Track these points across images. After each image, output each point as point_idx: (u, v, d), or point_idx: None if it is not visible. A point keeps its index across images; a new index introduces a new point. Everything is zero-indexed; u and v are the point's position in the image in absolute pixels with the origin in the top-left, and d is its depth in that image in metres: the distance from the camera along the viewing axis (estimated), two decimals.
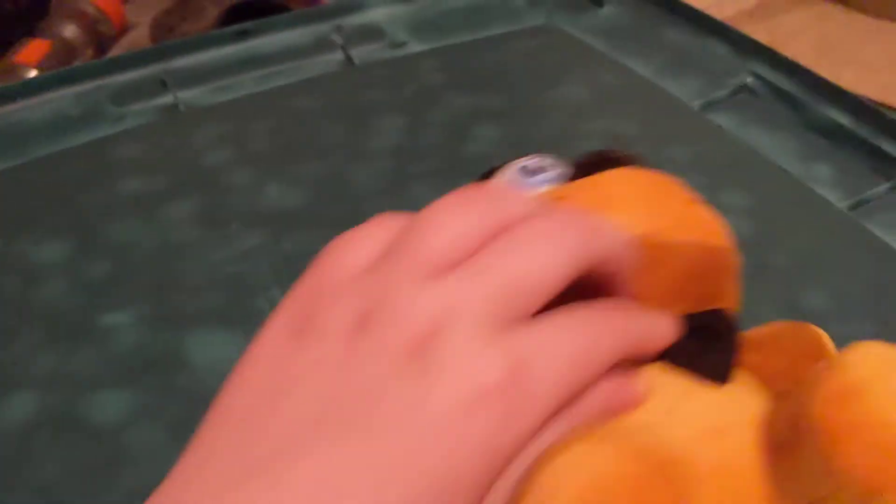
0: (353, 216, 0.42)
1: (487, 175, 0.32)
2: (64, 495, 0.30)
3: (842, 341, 0.21)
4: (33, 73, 0.62)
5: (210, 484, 0.15)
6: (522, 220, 0.18)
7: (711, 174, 0.41)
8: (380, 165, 0.45)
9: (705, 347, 0.23)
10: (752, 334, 0.25)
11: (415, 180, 0.44)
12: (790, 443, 0.20)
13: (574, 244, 0.18)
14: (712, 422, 0.21)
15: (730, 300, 0.25)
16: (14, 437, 0.31)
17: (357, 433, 0.15)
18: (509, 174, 0.29)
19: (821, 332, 0.24)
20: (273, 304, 0.19)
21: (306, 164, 0.46)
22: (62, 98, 0.50)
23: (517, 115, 0.50)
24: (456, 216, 0.18)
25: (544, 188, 0.28)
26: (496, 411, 0.15)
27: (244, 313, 0.36)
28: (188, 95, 0.51)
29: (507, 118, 0.49)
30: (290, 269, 0.24)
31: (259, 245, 0.40)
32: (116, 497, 0.29)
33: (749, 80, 0.52)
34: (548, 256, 0.17)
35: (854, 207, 0.43)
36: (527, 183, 0.29)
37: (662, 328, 0.21)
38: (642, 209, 0.24)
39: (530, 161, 0.30)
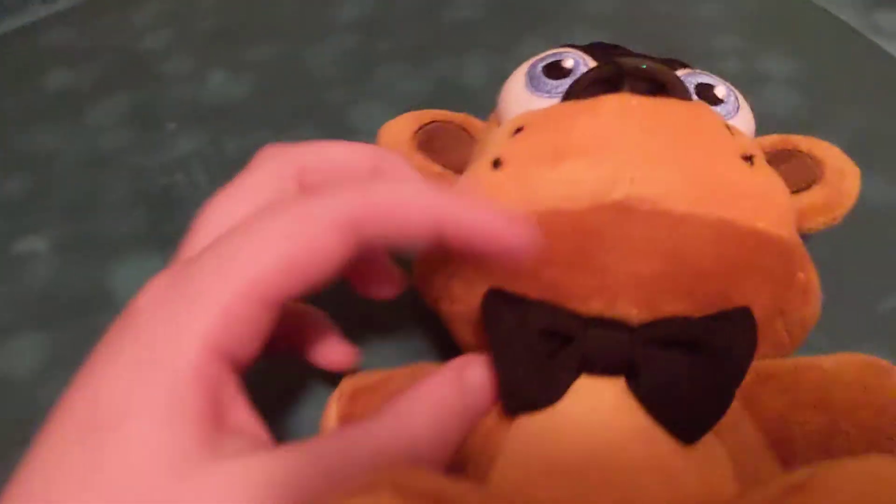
0: (309, 111, 0.35)
1: None
2: None
3: None
4: None
5: None
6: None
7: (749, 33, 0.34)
8: (341, 44, 0.38)
9: (692, 380, 0.17)
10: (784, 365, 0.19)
11: (383, 62, 0.37)
12: None
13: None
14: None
15: (757, 298, 0.18)
16: None
17: None
18: (522, 74, 0.23)
19: None
20: None
21: (255, 46, 0.39)
22: None
23: None
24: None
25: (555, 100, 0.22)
26: None
27: (178, 235, 0.30)
28: None
29: None
30: (232, 177, 0.19)
31: (197, 149, 0.34)
32: None
33: None
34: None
35: None
36: (540, 88, 0.22)
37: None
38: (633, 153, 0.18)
39: (553, 56, 0.23)
